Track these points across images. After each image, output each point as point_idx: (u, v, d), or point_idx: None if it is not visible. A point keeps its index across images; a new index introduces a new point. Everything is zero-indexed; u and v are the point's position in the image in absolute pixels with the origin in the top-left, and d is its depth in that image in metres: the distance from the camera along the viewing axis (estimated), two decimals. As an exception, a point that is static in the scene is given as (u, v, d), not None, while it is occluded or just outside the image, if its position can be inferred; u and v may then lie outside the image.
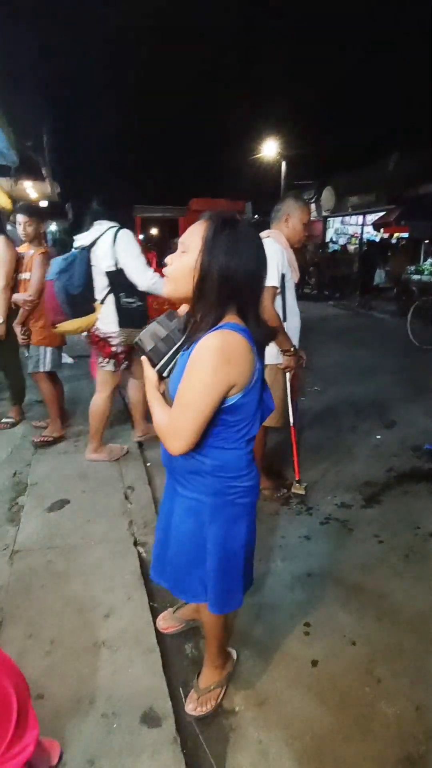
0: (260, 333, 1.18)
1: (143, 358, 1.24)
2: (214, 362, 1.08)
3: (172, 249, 5.49)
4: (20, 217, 3.20)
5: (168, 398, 1.23)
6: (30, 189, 8.64)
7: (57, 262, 2.79)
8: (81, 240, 2.80)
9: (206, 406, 1.11)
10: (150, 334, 1.22)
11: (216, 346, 1.08)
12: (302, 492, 2.73)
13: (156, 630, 1.77)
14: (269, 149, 18.23)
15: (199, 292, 1.12)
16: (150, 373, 1.23)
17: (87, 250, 2.76)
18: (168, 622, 1.82)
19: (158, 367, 1.22)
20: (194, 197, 6.41)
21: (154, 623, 1.80)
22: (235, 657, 1.68)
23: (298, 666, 1.67)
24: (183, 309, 1.25)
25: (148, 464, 3.16)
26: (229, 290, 1.11)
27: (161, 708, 1.45)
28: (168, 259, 1.19)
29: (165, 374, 1.23)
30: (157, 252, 8.71)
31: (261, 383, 1.23)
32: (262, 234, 2.63)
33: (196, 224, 1.16)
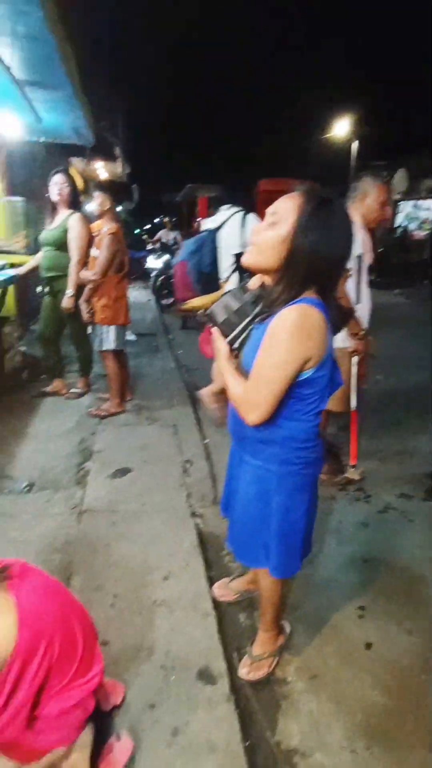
0: (336, 313, 1.19)
1: (214, 330, 1.27)
2: (293, 335, 1.09)
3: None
4: (96, 194, 3.30)
5: (241, 370, 1.25)
6: (101, 169, 8.88)
7: (188, 244, 2.97)
8: (209, 223, 3.01)
9: (284, 378, 1.13)
10: (222, 307, 1.24)
11: (296, 319, 1.09)
12: (357, 477, 2.69)
13: (212, 597, 1.84)
14: (340, 128, 17.50)
15: (286, 267, 1.12)
16: (221, 345, 1.25)
17: (214, 232, 2.91)
18: (223, 590, 1.88)
19: (229, 339, 1.24)
20: (262, 178, 6.29)
21: (210, 591, 1.87)
22: (288, 631, 1.71)
23: (352, 646, 1.68)
24: (254, 282, 1.26)
25: (206, 441, 3.22)
26: (316, 269, 1.12)
27: (216, 668, 1.52)
28: (257, 228, 1.19)
29: (235, 346, 1.25)
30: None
31: (332, 359, 1.24)
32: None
33: (288, 197, 1.14)
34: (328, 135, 18.11)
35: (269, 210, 1.18)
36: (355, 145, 17.23)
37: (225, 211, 2.97)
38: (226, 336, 1.25)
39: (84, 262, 3.40)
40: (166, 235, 10.58)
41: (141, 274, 11.09)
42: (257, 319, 1.24)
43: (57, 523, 2.25)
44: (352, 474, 2.71)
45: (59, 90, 3.50)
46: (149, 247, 10.42)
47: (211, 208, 3.08)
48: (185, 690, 1.44)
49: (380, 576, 2.03)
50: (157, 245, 10.13)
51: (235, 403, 1.22)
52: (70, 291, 3.40)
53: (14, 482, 2.58)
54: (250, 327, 1.24)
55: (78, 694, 1.06)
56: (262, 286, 1.27)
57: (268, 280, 1.22)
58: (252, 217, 2.94)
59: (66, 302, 3.42)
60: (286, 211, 1.12)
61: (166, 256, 8.70)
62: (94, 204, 3.33)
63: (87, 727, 1.14)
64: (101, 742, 1.23)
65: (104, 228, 3.30)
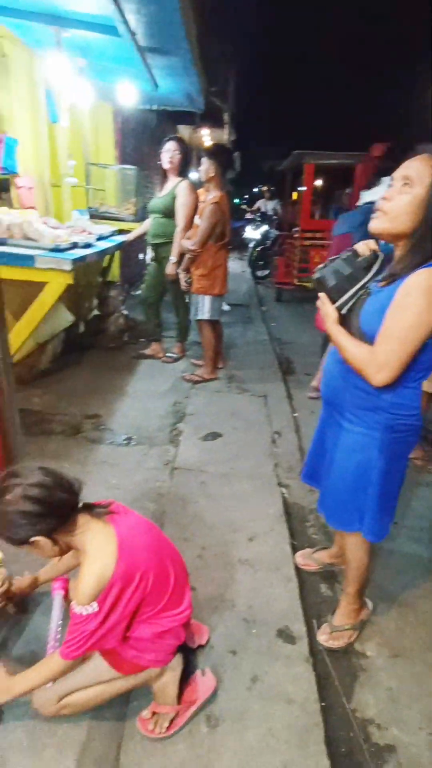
0: None
1: (321, 295, 1.27)
2: (428, 298, 1.09)
3: (342, 200, 5.23)
4: (205, 160, 3.24)
5: (358, 334, 1.23)
6: (207, 136, 8.87)
7: (352, 216, 2.97)
8: (368, 196, 2.97)
9: (417, 339, 1.12)
10: (332, 272, 1.24)
11: (430, 281, 1.09)
12: None
13: (294, 564, 1.88)
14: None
15: (419, 231, 1.12)
16: (330, 309, 1.25)
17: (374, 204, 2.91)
18: (306, 560, 1.91)
19: (338, 303, 1.24)
20: (375, 143, 5.87)
21: (293, 558, 1.91)
22: (370, 608, 1.70)
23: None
24: (363, 248, 1.25)
25: (296, 414, 3.22)
26: None
27: (296, 629, 1.57)
28: (387, 194, 1.16)
29: (344, 311, 1.25)
30: (323, 204, 8.34)
31: None
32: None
33: (419, 159, 1.11)
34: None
35: (398, 174, 1.14)
36: None
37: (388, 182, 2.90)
38: (334, 301, 1.25)
39: (188, 229, 3.46)
40: (264, 205, 10.37)
41: (238, 245, 11.06)
42: (374, 284, 1.23)
43: (151, 475, 2.41)
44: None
45: (177, 55, 3.52)
46: (248, 216, 10.28)
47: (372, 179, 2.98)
48: (265, 644, 1.52)
49: (474, 571, 1.93)
50: (257, 215, 9.97)
51: (358, 364, 1.21)
52: (173, 258, 3.50)
53: (115, 435, 2.79)
54: (361, 293, 1.24)
55: (168, 623, 1.17)
56: (373, 252, 1.24)
57: (373, 245, 1.24)
58: None
59: (169, 268, 3.54)
60: (419, 174, 1.09)
61: (264, 227, 8.55)
62: (202, 170, 3.29)
63: (178, 656, 1.26)
64: (188, 674, 1.35)
65: (208, 196, 3.30)
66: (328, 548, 1.92)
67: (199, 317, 3.50)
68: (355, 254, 1.26)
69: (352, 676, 1.50)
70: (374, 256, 1.24)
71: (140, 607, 1.13)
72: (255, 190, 23.53)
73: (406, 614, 1.72)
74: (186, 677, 1.33)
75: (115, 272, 5.32)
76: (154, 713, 1.25)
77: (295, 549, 1.97)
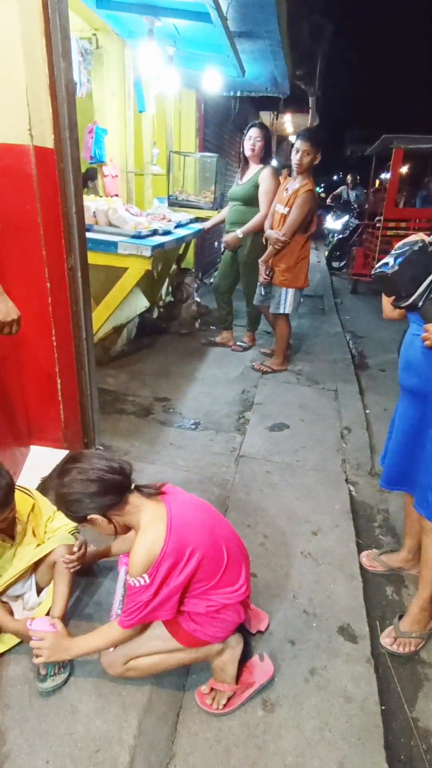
0: None
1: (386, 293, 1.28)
2: None
3: (430, 188, 4.92)
4: (299, 143, 3.03)
5: None
6: (288, 123, 8.68)
7: None
8: None
9: None
10: (408, 264, 1.22)
11: None
12: None
13: (359, 563, 1.83)
14: None
15: None
16: None
17: None
18: (372, 561, 1.85)
19: (414, 297, 1.24)
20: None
21: (359, 557, 1.86)
22: (440, 617, 1.62)
23: None
24: (422, 236, 1.25)
25: (367, 411, 3.11)
26: None
27: (358, 629, 1.53)
28: None
29: (420, 304, 1.24)
30: (409, 192, 7.87)
31: None
32: None
33: None
34: None
35: None
36: None
37: None
38: (409, 294, 1.24)
39: (266, 214, 3.39)
40: (347, 193, 9.97)
41: (317, 235, 10.75)
42: None
43: (217, 460, 2.45)
44: None
45: (267, 38, 3.45)
46: (329, 203, 9.93)
47: None
48: (326, 639, 1.50)
49: None
50: (338, 204, 9.60)
51: None
52: (239, 232, 3.43)
53: (183, 419, 2.86)
54: None
55: (223, 599, 1.20)
56: None
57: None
58: None
59: (229, 237, 3.49)
60: None
61: (345, 217, 8.22)
62: (295, 155, 3.06)
63: (238, 635, 1.28)
64: (247, 656, 1.37)
65: (293, 184, 3.14)
66: (396, 551, 1.85)
67: (281, 311, 3.40)
68: (426, 245, 1.24)
69: (416, 684, 1.44)
70: None
71: (192, 582, 1.17)
72: (335, 177, 22.67)
73: None
74: (244, 660, 1.35)
75: (190, 259, 5.41)
76: (212, 689, 1.28)
77: (360, 548, 1.92)
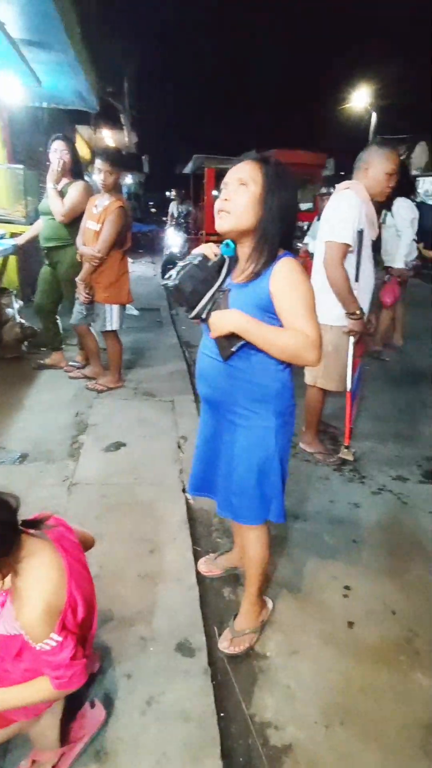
0: None
1: (178, 300, 1.29)
2: (305, 278, 1.24)
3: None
4: (100, 164, 3.04)
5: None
6: (108, 138, 8.66)
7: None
8: None
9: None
10: (188, 277, 1.26)
11: (298, 267, 1.24)
12: (350, 458, 2.66)
13: (197, 571, 1.84)
14: (359, 99, 16.84)
15: (264, 225, 1.22)
16: (236, 312, 1.25)
17: None
18: (209, 566, 1.88)
19: (199, 308, 1.27)
20: (273, 148, 6.08)
21: (196, 565, 1.87)
22: (271, 607, 1.71)
23: (335, 624, 1.68)
24: (206, 251, 1.31)
25: (203, 417, 3.20)
26: (286, 224, 1.26)
27: (196, 641, 1.52)
28: (226, 196, 1.24)
29: (203, 316, 1.28)
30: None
31: None
32: (341, 186, 2.46)
33: (245, 163, 1.24)
34: (346, 105, 17.46)
35: (231, 178, 1.24)
36: (374, 117, 16.61)
37: None
38: (192, 306, 1.27)
39: (69, 222, 3.27)
40: (176, 209, 10.36)
41: (151, 249, 10.94)
42: (227, 283, 1.29)
43: (48, 494, 2.25)
44: (345, 454, 2.68)
45: (59, 51, 3.35)
46: (168, 221, 10.23)
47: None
48: (163, 661, 1.45)
49: (368, 556, 2.02)
50: (172, 220, 9.91)
51: (296, 349, 1.23)
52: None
53: (8, 453, 2.58)
54: (219, 294, 1.28)
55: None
56: (221, 255, 1.31)
57: (216, 249, 1.31)
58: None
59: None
60: (251, 174, 1.22)
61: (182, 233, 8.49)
62: (98, 175, 3.08)
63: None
64: (76, 707, 1.25)
65: (104, 200, 3.10)
66: (230, 551, 1.91)
67: (108, 328, 3.32)
68: (205, 258, 1.29)
69: (252, 679, 1.48)
70: (222, 258, 1.30)
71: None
72: (168, 194, 23.54)
73: (305, 608, 1.74)
74: (74, 712, 1.23)
75: (11, 277, 4.99)
76: (33, 761, 1.14)
77: (199, 555, 1.93)
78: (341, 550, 2.04)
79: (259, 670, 1.51)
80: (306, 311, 1.22)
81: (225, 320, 1.24)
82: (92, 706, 1.26)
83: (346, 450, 2.69)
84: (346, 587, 1.84)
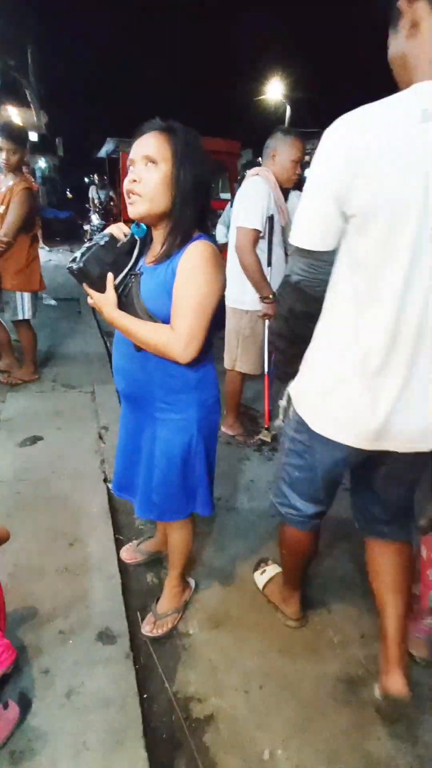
0: None
1: (85, 285, 1.21)
2: (212, 266, 1.14)
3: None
4: (0, 141, 2.81)
5: (144, 316, 1.20)
6: (15, 117, 8.07)
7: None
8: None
9: (211, 309, 1.16)
10: (95, 260, 1.18)
11: (210, 252, 1.14)
12: (268, 440, 2.76)
13: (119, 560, 1.82)
14: (274, 91, 17.20)
15: (180, 206, 1.14)
16: (110, 294, 1.18)
17: None
18: (131, 553, 1.87)
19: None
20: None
21: (119, 554, 1.85)
22: (193, 586, 1.74)
23: (253, 593, 1.74)
24: (116, 232, 1.23)
25: (125, 406, 3.15)
26: (202, 202, 1.18)
27: (117, 628, 1.51)
28: (134, 176, 1.13)
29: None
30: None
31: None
32: (250, 172, 2.51)
33: (151, 135, 1.13)
34: (261, 97, 17.77)
35: (137, 155, 1.13)
36: (288, 110, 17.07)
37: None
38: (101, 291, 1.19)
39: None
40: (96, 194, 9.97)
41: (71, 236, 10.47)
42: (139, 266, 1.23)
43: None
44: (265, 435, 2.77)
45: None
46: (90, 208, 9.76)
47: None
48: (83, 652, 1.43)
49: (286, 529, 2.11)
50: (95, 207, 9.50)
51: (161, 345, 1.16)
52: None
53: None
54: (130, 278, 1.21)
55: None
56: (131, 236, 1.24)
57: (126, 229, 1.23)
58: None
59: None
60: (159, 150, 1.11)
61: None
62: (0, 154, 2.85)
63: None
64: (-13, 712, 1.19)
65: (8, 181, 2.91)
66: (153, 537, 1.91)
67: (20, 317, 3.13)
68: (113, 239, 1.22)
69: (175, 658, 1.50)
70: (133, 239, 1.23)
71: None
72: (86, 179, 22.50)
73: (228, 585, 1.79)
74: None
75: None
76: None
77: (122, 544, 1.91)
78: (261, 525, 2.12)
79: (182, 648, 1.53)
80: (188, 310, 1.13)
81: (101, 307, 1.19)
82: (5, 707, 1.21)
83: (266, 431, 2.78)
84: (264, 560, 1.92)
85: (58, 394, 3.22)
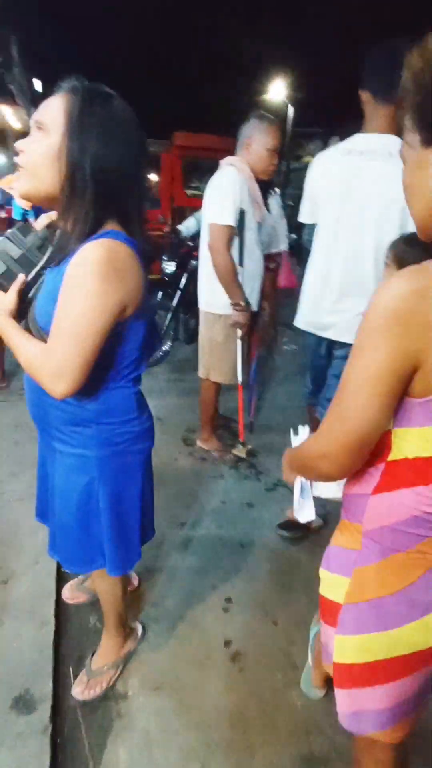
0: (147, 247, 0.96)
1: None
2: (101, 277, 0.86)
3: (151, 191, 4.97)
4: None
5: (34, 330, 0.97)
6: (11, 117, 7.87)
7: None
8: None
9: (95, 332, 0.88)
10: None
11: (101, 257, 0.86)
12: (243, 455, 2.53)
13: (59, 600, 1.60)
14: (276, 90, 16.96)
15: (69, 188, 0.87)
16: (9, 300, 0.95)
17: None
18: (74, 592, 1.64)
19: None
20: (182, 131, 5.82)
21: (60, 592, 1.63)
22: (140, 633, 1.51)
23: (209, 645, 1.51)
24: (40, 222, 1.01)
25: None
26: (107, 186, 0.88)
27: (39, 691, 1.29)
28: (20, 144, 0.90)
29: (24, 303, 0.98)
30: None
31: (151, 308, 1.04)
32: (224, 161, 2.28)
33: (55, 98, 0.88)
34: (264, 96, 17.51)
35: (34, 118, 0.89)
36: (290, 109, 16.81)
37: None
38: (5, 291, 0.96)
39: None
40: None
41: None
42: (52, 264, 0.97)
43: None
44: (239, 451, 2.54)
45: None
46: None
47: None
48: (-6, 723, 1.20)
49: (255, 562, 1.88)
50: None
51: (34, 371, 0.92)
52: None
53: None
54: (41, 276, 0.98)
55: None
56: (50, 226, 1.00)
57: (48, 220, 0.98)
58: None
59: None
60: (52, 113, 0.86)
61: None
62: None
63: None
64: None
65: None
66: (100, 572, 1.68)
67: None
68: (26, 230, 1.00)
69: (106, 728, 1.27)
70: (45, 231, 1.00)
71: None
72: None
73: (180, 632, 1.56)
74: None
75: None
76: None
77: (65, 580, 1.69)
78: (226, 558, 1.89)
79: (116, 715, 1.31)
80: (68, 326, 0.87)
81: None
82: None
83: (241, 446, 2.55)
84: (228, 599, 1.69)
85: (20, 405, 3.00)
